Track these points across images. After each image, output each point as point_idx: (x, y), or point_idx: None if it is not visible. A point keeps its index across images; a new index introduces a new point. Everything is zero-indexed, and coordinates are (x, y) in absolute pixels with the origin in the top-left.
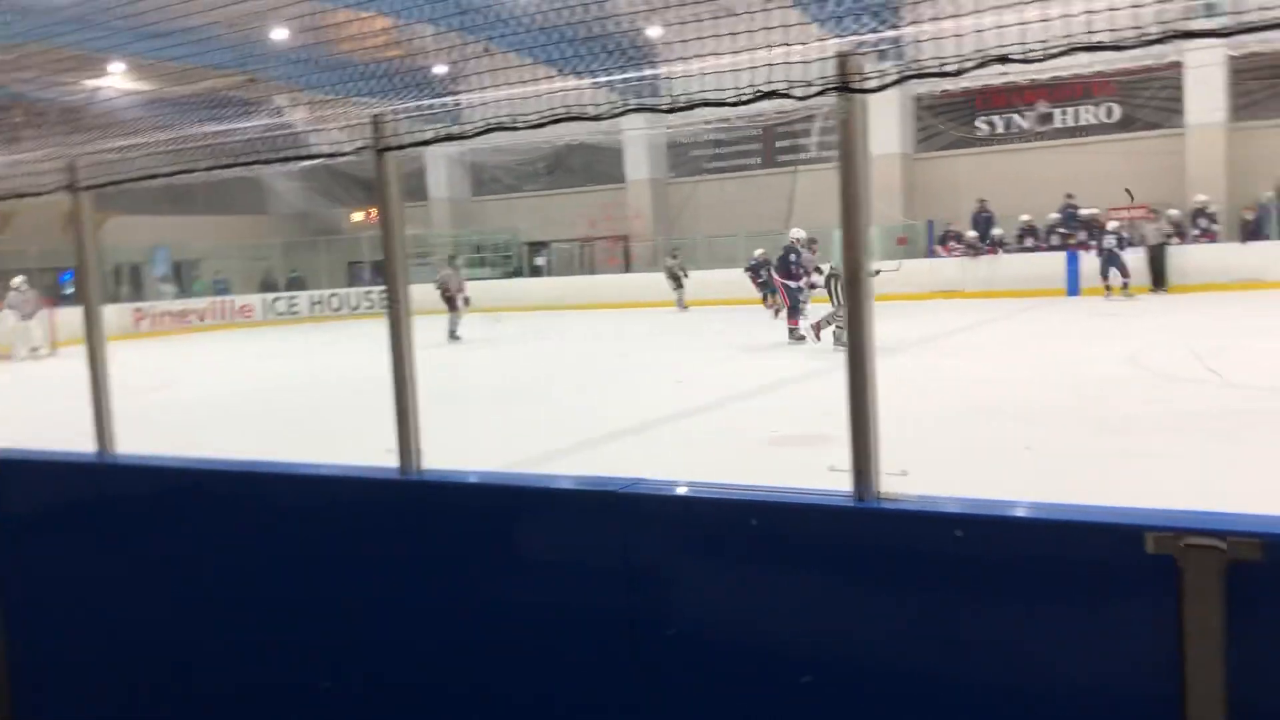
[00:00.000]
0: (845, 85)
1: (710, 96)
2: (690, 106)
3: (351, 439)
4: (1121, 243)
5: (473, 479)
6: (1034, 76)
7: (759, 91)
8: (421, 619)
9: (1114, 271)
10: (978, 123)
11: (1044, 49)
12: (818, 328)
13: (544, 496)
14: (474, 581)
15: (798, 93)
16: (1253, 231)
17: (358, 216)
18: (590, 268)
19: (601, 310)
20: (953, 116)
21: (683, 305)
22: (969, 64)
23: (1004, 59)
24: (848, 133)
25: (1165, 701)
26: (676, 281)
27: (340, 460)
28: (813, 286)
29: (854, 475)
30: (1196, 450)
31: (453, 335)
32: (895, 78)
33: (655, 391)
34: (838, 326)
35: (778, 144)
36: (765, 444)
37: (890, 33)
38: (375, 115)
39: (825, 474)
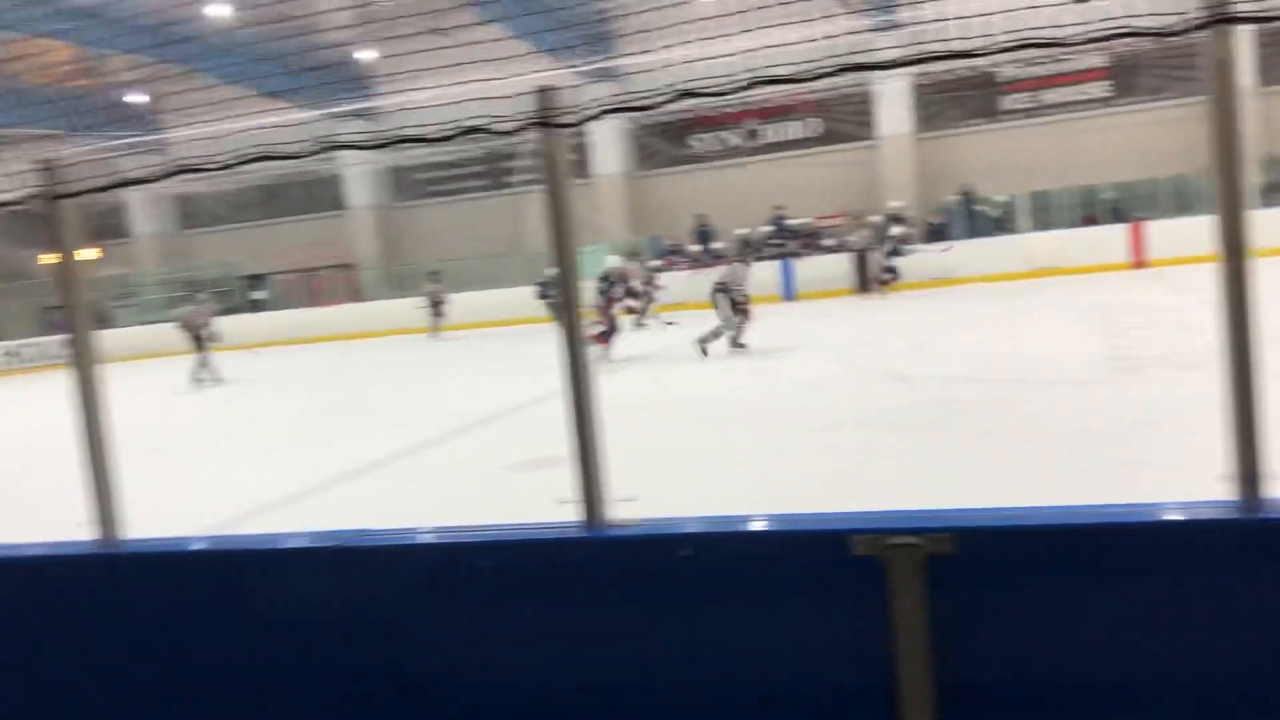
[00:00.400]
0: (545, 120)
1: (415, 131)
2: (391, 143)
3: (48, 509)
4: (898, 249)
5: (186, 546)
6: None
7: (461, 127)
8: (141, 703)
9: (882, 269)
10: (693, 141)
11: (730, 83)
12: (704, 341)
13: (266, 559)
14: (196, 654)
15: (499, 128)
16: (940, 234)
17: (50, 258)
18: (315, 299)
19: (336, 341)
20: (669, 136)
21: (438, 332)
22: (660, 99)
23: (691, 94)
24: (551, 165)
25: (879, 690)
26: (436, 308)
27: (35, 538)
28: (630, 310)
29: (583, 505)
30: (900, 444)
31: (198, 378)
32: (594, 112)
33: (401, 426)
34: (729, 336)
35: (504, 165)
36: (512, 470)
37: (595, 65)
38: (47, 160)
39: (564, 502)
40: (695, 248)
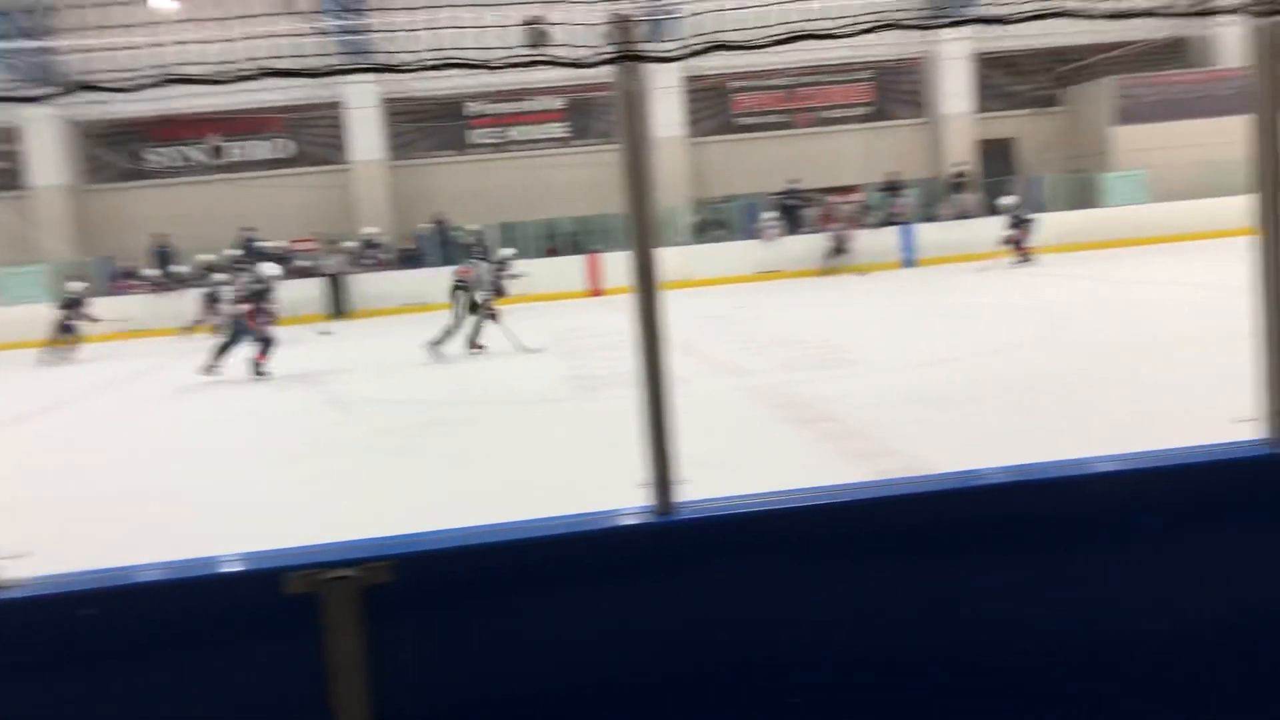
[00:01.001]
0: None
1: None
2: None
3: None
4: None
5: None
6: (201, 109)
7: None
8: None
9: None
10: (150, 154)
11: (133, 80)
12: (436, 343)
13: None
14: None
15: None
16: (414, 259)
17: None
18: None
19: None
20: (121, 147)
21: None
22: (54, 90)
23: (92, 87)
24: None
25: None
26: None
27: None
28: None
29: None
30: (359, 472)
31: None
32: None
33: None
34: (466, 337)
35: None
36: None
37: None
38: None
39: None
40: (153, 271)
